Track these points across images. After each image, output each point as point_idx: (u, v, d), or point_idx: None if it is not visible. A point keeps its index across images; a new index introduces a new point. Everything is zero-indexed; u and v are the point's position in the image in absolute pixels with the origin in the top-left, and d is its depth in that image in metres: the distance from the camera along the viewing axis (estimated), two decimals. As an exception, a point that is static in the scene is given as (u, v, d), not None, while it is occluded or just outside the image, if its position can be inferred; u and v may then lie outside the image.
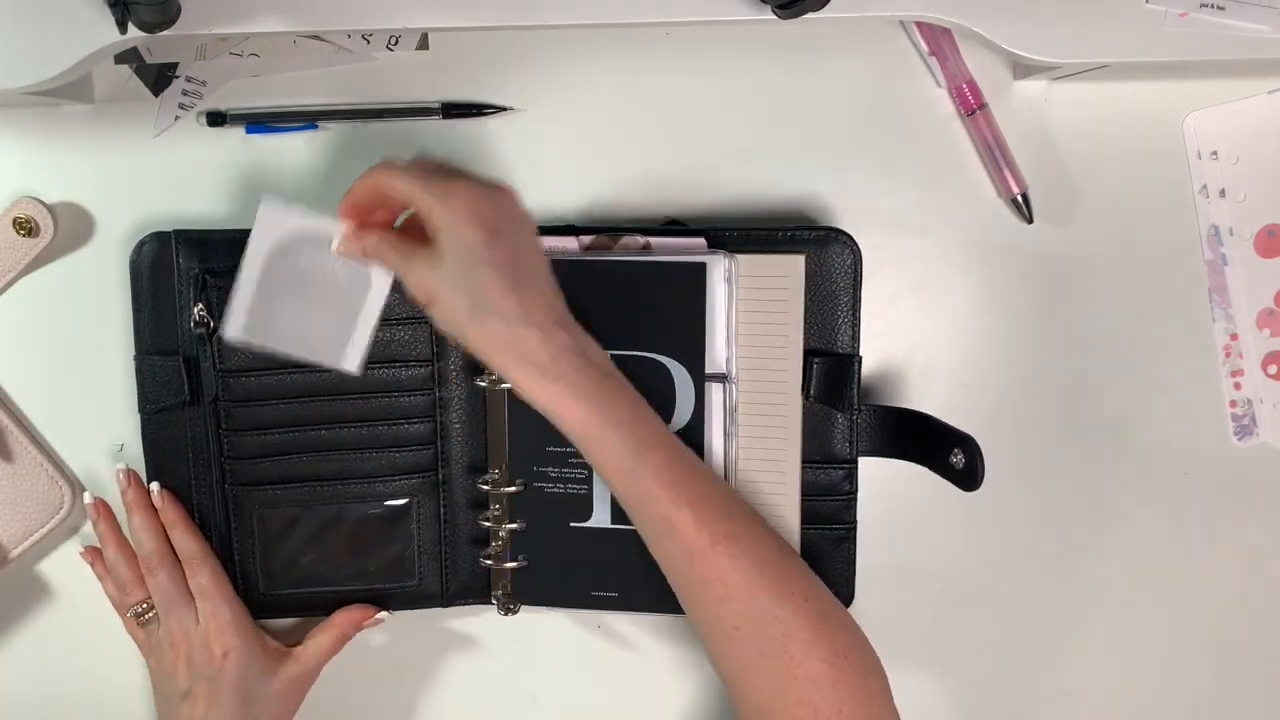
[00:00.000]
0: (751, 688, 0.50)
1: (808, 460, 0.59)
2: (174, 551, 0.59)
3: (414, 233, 0.52)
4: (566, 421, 0.50)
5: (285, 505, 0.60)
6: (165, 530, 0.59)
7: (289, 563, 0.60)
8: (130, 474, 0.60)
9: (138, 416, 0.60)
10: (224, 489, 0.59)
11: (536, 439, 0.59)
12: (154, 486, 0.59)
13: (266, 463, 0.59)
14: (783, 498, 0.59)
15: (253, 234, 0.54)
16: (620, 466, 0.50)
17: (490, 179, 0.51)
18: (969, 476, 0.54)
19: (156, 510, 0.59)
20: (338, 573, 0.61)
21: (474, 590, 0.62)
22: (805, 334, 0.58)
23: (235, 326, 0.54)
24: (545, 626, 0.65)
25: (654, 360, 0.57)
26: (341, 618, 0.61)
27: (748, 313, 0.58)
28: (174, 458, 0.59)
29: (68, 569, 0.63)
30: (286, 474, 0.59)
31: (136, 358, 0.59)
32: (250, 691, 0.58)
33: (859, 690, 0.49)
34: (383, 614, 0.61)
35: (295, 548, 0.60)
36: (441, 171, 0.50)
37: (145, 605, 0.59)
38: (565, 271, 0.53)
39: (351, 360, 0.55)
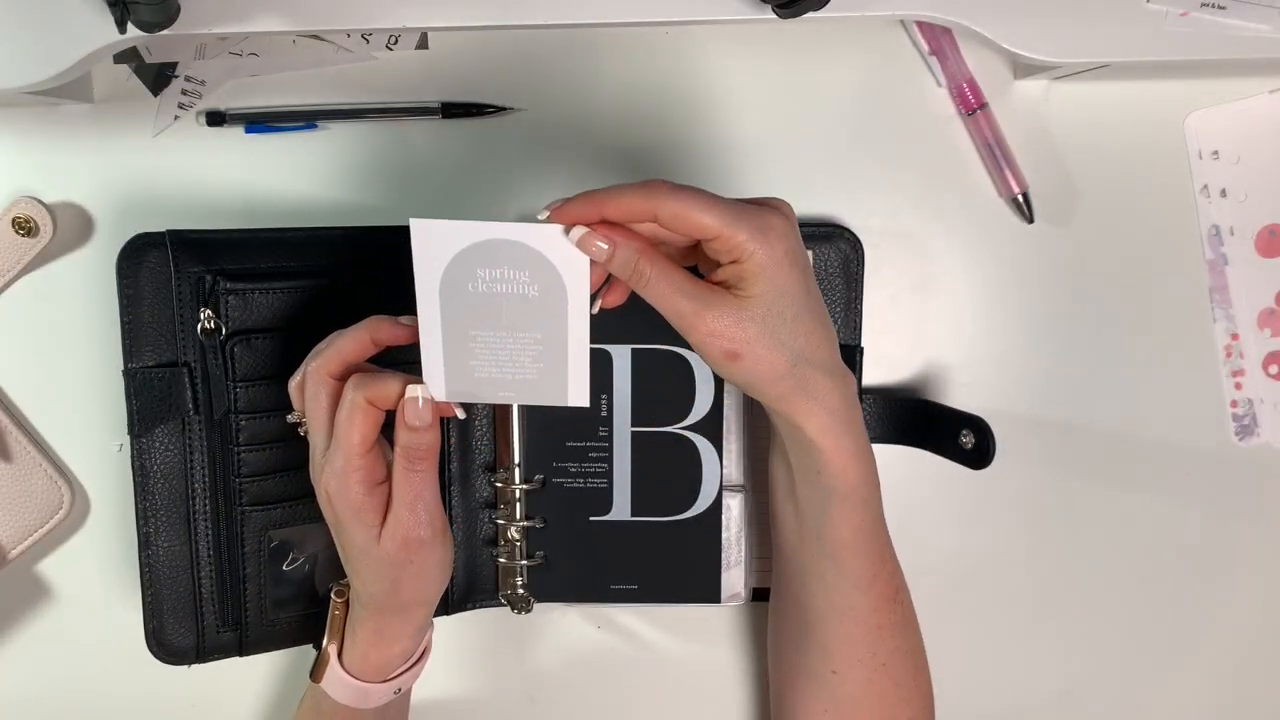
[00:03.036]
0: (873, 714, 0.54)
1: None
2: (341, 379, 0.48)
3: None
4: (843, 475, 0.47)
5: (292, 524, 0.57)
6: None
7: (295, 587, 0.58)
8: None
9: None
10: (235, 511, 0.57)
11: (556, 435, 0.59)
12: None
13: (276, 479, 0.57)
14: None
15: (415, 265, 0.44)
16: (864, 523, 0.50)
17: (778, 203, 0.46)
18: (979, 456, 0.55)
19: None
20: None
21: (479, 593, 0.62)
22: None
23: (438, 386, 0.46)
24: (544, 627, 0.65)
25: (674, 353, 0.58)
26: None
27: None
28: (169, 482, 0.57)
29: (68, 569, 0.63)
30: (293, 490, 0.57)
31: (126, 371, 0.56)
32: (360, 557, 0.49)
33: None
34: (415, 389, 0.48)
35: (302, 569, 0.58)
36: (733, 200, 0.43)
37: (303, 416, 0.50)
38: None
39: (579, 393, 0.47)
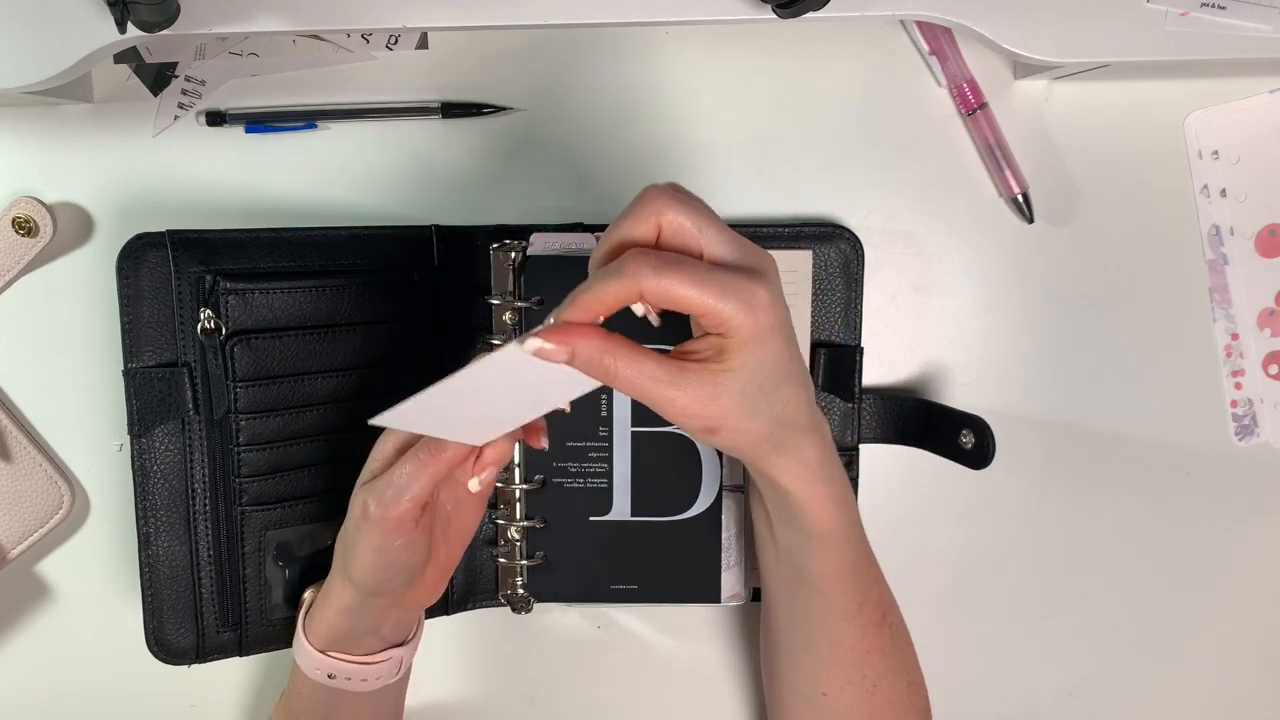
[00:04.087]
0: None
1: None
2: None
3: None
4: (821, 520, 0.47)
5: (292, 524, 0.58)
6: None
7: (294, 588, 0.58)
8: None
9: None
10: (234, 511, 0.57)
11: (556, 435, 0.59)
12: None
13: (276, 479, 0.57)
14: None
15: (497, 356, 0.42)
16: (844, 562, 0.50)
17: (762, 258, 0.44)
18: (979, 456, 0.55)
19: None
20: None
21: (479, 594, 0.62)
22: (810, 326, 0.59)
23: (394, 415, 0.44)
24: (544, 627, 0.65)
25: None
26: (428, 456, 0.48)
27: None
28: (169, 482, 0.57)
29: (68, 569, 0.63)
30: (295, 490, 0.57)
31: (126, 372, 0.56)
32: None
33: None
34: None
35: (302, 569, 0.58)
36: (714, 268, 0.41)
37: None
38: (581, 268, 0.52)
39: (480, 440, 0.48)
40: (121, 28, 0.48)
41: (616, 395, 0.58)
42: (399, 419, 0.44)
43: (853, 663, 0.52)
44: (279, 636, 0.59)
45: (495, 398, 0.45)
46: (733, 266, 0.42)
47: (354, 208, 0.61)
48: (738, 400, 0.42)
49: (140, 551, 0.57)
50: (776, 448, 0.45)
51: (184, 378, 0.56)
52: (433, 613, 0.61)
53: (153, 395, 0.56)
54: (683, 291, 0.40)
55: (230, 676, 0.64)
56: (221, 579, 0.58)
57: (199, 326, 0.55)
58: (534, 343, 0.41)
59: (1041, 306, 0.63)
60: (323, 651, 0.54)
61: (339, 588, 0.52)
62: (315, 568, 0.58)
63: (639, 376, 0.42)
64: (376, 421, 0.43)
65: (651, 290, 0.40)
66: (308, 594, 0.57)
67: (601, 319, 0.42)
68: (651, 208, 0.42)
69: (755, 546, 0.56)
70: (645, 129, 0.61)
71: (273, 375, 0.56)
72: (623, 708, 0.66)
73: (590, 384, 0.44)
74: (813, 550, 0.49)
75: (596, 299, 0.41)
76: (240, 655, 0.59)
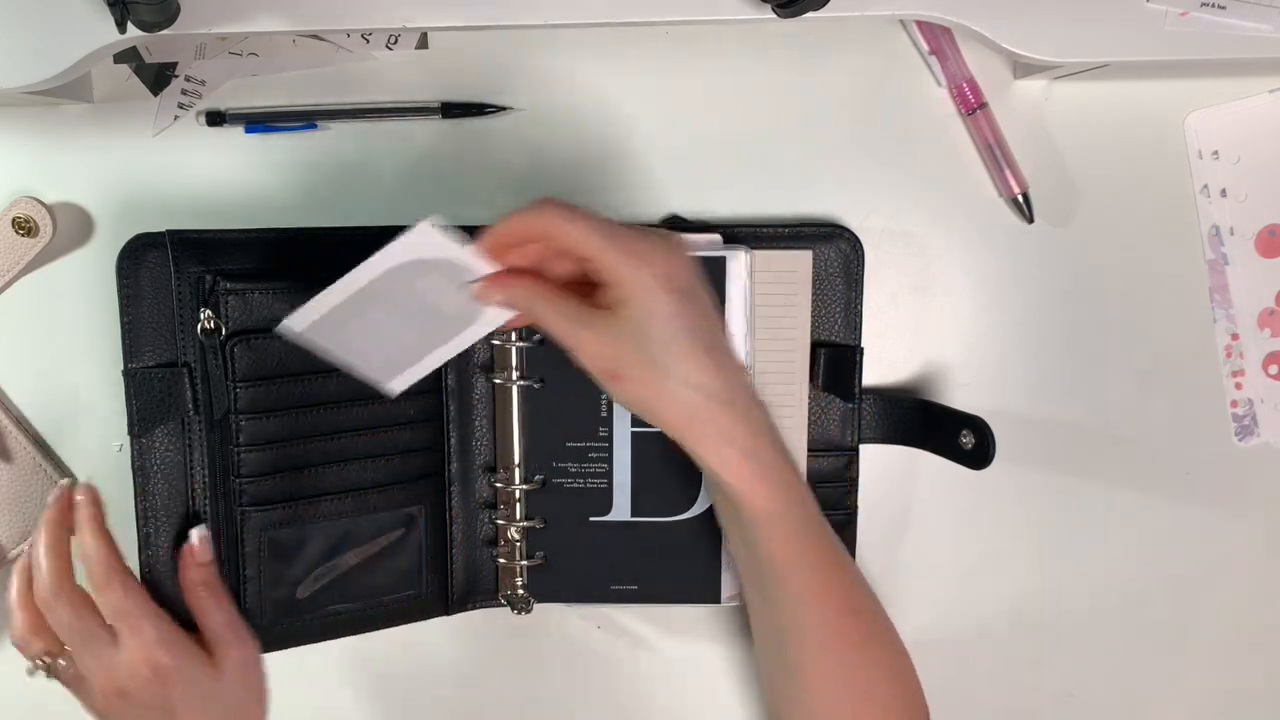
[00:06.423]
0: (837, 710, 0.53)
1: (810, 448, 0.60)
2: (71, 576, 0.53)
3: (551, 265, 0.48)
4: (751, 501, 0.48)
5: (293, 525, 0.57)
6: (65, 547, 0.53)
7: (295, 589, 0.58)
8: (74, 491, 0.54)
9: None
10: (234, 511, 0.57)
11: (556, 435, 0.59)
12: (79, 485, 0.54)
13: (276, 479, 0.56)
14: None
15: (393, 245, 0.48)
16: (788, 542, 0.49)
17: (666, 234, 0.48)
18: (979, 456, 0.55)
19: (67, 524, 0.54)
20: (344, 592, 0.59)
21: (480, 594, 0.62)
22: (811, 326, 0.59)
23: (301, 322, 0.49)
24: (544, 627, 0.65)
25: None
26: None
27: (758, 306, 0.58)
28: (169, 482, 0.57)
29: (67, 569, 0.63)
30: (296, 490, 0.57)
31: (127, 371, 0.56)
32: (210, 700, 0.53)
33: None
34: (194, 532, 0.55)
35: (303, 571, 0.58)
36: (620, 225, 0.46)
37: (47, 655, 0.53)
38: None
39: (397, 385, 0.52)
40: (121, 28, 0.48)
41: None
42: (304, 321, 0.49)
43: (825, 653, 0.51)
44: (279, 638, 0.59)
45: (405, 323, 0.49)
46: (632, 232, 0.46)
47: (354, 208, 0.61)
48: (634, 347, 0.45)
49: (140, 552, 0.57)
50: (691, 416, 0.46)
51: (184, 378, 0.56)
52: (433, 613, 0.61)
53: (153, 395, 0.56)
54: (580, 235, 0.45)
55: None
56: (222, 579, 0.58)
57: (199, 327, 0.55)
58: (472, 288, 0.47)
59: (1041, 306, 0.63)
60: None
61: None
62: (315, 568, 0.58)
63: (557, 315, 0.46)
64: (282, 328, 0.49)
65: (556, 227, 0.45)
66: None
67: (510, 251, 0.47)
68: (542, 207, 0.46)
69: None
70: (645, 129, 0.61)
71: (272, 375, 0.56)
72: (623, 707, 0.66)
73: (502, 318, 0.49)
74: (759, 531, 0.49)
75: (509, 230, 0.47)
76: None
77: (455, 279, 0.48)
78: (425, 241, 0.47)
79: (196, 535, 0.55)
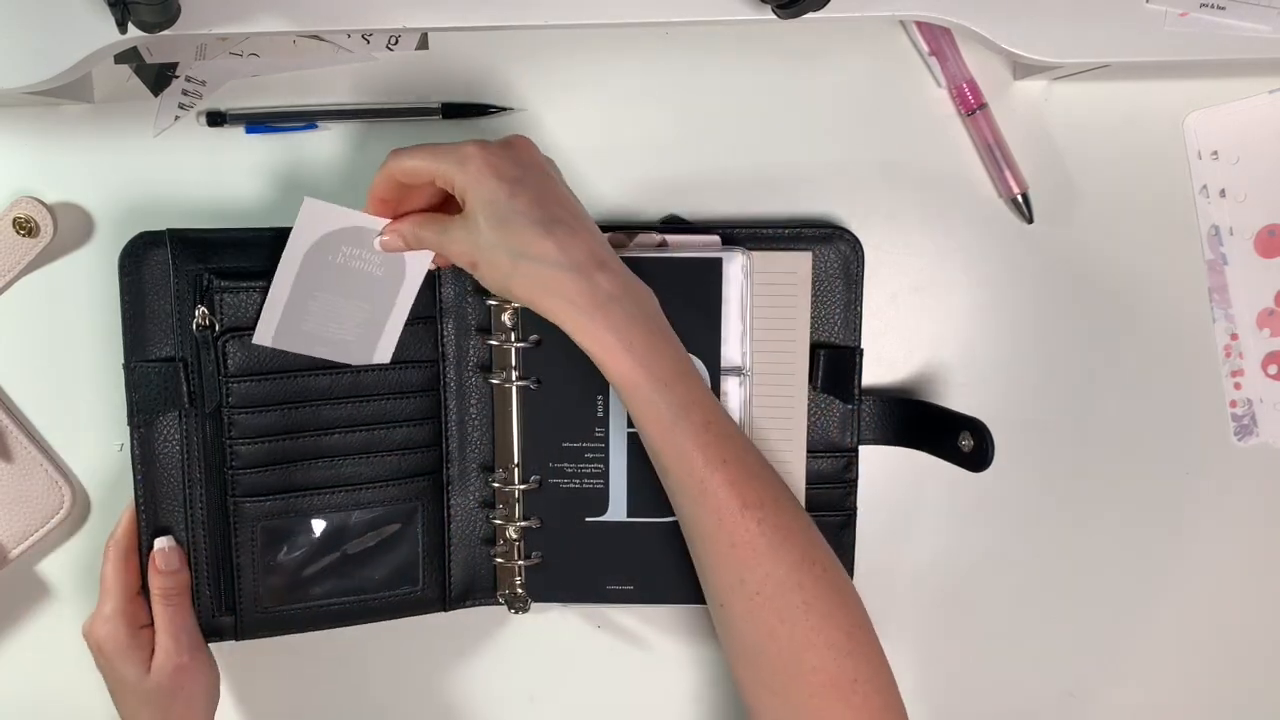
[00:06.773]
0: (766, 657, 0.51)
1: (810, 449, 0.60)
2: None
3: (447, 209, 0.54)
4: (611, 370, 0.49)
5: (287, 516, 0.58)
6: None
7: (290, 577, 0.59)
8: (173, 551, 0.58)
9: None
10: (227, 501, 0.57)
11: (553, 435, 0.59)
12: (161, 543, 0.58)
13: (268, 472, 0.57)
14: (788, 484, 0.59)
15: (293, 233, 0.54)
16: (660, 422, 0.50)
17: (504, 138, 0.52)
18: (978, 458, 0.56)
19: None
20: (340, 584, 0.59)
21: (478, 592, 0.62)
22: (810, 327, 0.59)
23: (266, 332, 0.55)
24: (544, 626, 0.65)
25: None
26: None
27: (756, 307, 0.58)
28: (166, 472, 0.57)
29: (68, 569, 0.63)
30: (289, 483, 0.58)
31: (127, 365, 0.56)
32: (127, 691, 0.57)
33: (872, 660, 0.51)
34: (162, 542, 0.58)
35: (298, 560, 0.59)
36: (449, 143, 0.51)
37: None
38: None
39: (383, 355, 0.57)
40: (122, 28, 0.48)
41: (613, 398, 0.58)
42: (266, 331, 0.55)
43: (723, 558, 0.50)
44: (273, 624, 0.59)
45: (352, 299, 0.55)
46: (461, 143, 0.51)
47: (354, 208, 0.61)
48: (479, 234, 0.50)
49: (141, 539, 0.57)
50: (536, 284, 0.49)
51: (180, 372, 0.56)
52: (430, 609, 0.61)
53: (151, 389, 0.57)
54: (416, 162, 0.51)
55: (229, 676, 0.64)
56: (216, 567, 0.58)
57: (194, 323, 0.56)
58: (378, 240, 0.54)
59: (1041, 306, 0.63)
60: None
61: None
62: (310, 559, 0.59)
63: (429, 232, 0.53)
64: (255, 340, 0.55)
65: (400, 166, 0.51)
66: None
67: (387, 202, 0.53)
68: (390, 156, 0.52)
69: None
70: (645, 129, 0.61)
71: (265, 371, 0.56)
72: (622, 707, 0.66)
73: (423, 260, 0.55)
74: (630, 407, 0.50)
75: (378, 185, 0.53)
76: (237, 639, 0.59)
77: (367, 243, 0.54)
78: (317, 215, 0.53)
79: (160, 545, 0.57)
